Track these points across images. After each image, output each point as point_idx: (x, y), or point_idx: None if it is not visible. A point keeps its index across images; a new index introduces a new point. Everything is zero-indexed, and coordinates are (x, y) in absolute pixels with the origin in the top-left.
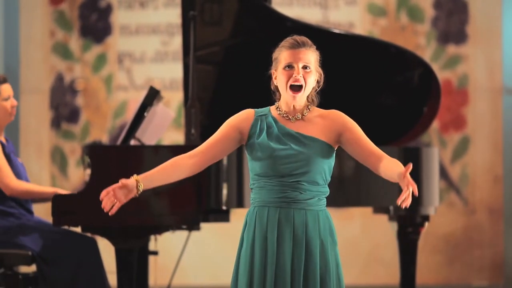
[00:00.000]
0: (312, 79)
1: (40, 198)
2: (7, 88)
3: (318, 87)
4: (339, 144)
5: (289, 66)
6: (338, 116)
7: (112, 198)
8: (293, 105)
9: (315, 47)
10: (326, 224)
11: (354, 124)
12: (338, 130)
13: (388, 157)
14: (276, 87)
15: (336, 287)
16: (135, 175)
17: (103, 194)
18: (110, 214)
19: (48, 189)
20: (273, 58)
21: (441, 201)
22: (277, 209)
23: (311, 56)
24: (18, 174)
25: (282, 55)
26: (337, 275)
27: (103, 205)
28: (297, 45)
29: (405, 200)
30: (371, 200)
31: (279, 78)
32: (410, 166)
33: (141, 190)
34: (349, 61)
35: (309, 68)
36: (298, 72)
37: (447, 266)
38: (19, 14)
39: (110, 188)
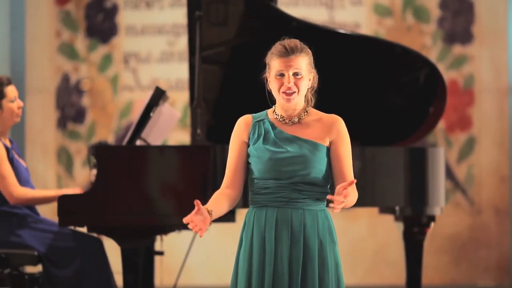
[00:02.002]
0: (304, 83)
1: (45, 202)
2: (12, 90)
3: (314, 88)
4: None
5: (281, 74)
6: (335, 124)
7: (194, 226)
8: (289, 109)
9: (306, 48)
10: (325, 224)
11: (345, 139)
12: (330, 136)
13: (354, 187)
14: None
15: (335, 287)
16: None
17: (186, 221)
18: (200, 236)
19: (51, 192)
20: (266, 62)
21: (447, 201)
22: (275, 209)
23: (301, 62)
24: (20, 179)
25: (272, 62)
26: (336, 275)
27: (192, 228)
28: (286, 53)
29: (335, 202)
30: (377, 200)
31: (272, 85)
32: (353, 181)
33: (214, 217)
34: (354, 61)
35: (300, 74)
36: (289, 81)
37: (453, 266)
38: (25, 14)
39: (189, 218)
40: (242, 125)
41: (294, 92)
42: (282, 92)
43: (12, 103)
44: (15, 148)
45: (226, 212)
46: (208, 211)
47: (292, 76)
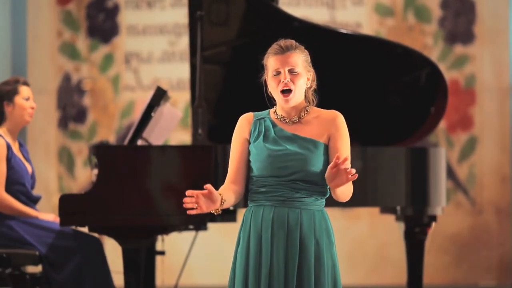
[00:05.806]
0: (302, 80)
1: (21, 216)
2: (27, 90)
3: (313, 87)
4: None
5: (277, 73)
6: (333, 118)
7: (194, 202)
8: (289, 108)
9: (302, 47)
10: (322, 224)
11: (344, 134)
12: (328, 132)
13: (350, 183)
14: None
15: (332, 287)
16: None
17: (188, 192)
18: (188, 213)
19: (32, 212)
20: (263, 64)
21: (449, 201)
22: (271, 207)
23: (297, 59)
24: (15, 180)
25: (269, 62)
26: (333, 275)
27: (184, 200)
28: (281, 51)
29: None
30: (378, 200)
31: (270, 85)
32: (346, 159)
33: (223, 207)
34: (356, 61)
35: (296, 71)
36: (285, 77)
37: (455, 266)
38: (27, 14)
39: (195, 192)
40: (244, 122)
41: (291, 90)
42: (281, 92)
43: (24, 100)
44: (24, 151)
45: (232, 205)
46: (222, 200)
47: (288, 72)
